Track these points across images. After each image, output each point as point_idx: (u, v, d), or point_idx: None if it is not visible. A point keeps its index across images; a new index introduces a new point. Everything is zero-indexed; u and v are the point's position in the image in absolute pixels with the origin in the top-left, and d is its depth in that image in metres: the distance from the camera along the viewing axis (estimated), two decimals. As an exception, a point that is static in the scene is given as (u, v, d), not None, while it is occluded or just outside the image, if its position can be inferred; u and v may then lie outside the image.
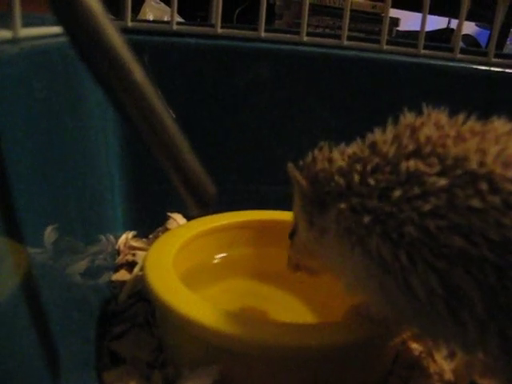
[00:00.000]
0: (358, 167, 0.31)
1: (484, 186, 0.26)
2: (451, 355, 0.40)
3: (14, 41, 0.31)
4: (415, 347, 0.41)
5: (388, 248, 0.29)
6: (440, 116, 0.32)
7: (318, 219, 0.35)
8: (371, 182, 0.30)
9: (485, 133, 0.29)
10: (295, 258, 0.40)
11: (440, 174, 0.28)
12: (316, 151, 0.35)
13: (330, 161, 0.34)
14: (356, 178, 0.31)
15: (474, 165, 0.27)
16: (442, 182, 0.27)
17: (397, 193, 0.29)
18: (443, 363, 0.40)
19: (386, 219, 0.29)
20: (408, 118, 0.32)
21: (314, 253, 0.37)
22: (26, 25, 0.32)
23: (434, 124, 0.31)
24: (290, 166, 0.36)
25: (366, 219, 0.30)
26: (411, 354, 0.41)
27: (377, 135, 0.33)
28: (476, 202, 0.26)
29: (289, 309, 0.45)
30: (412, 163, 0.29)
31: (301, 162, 0.36)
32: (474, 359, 0.30)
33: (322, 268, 0.39)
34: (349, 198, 0.31)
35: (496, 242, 0.26)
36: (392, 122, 0.33)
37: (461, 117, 0.31)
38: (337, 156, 0.34)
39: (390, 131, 0.32)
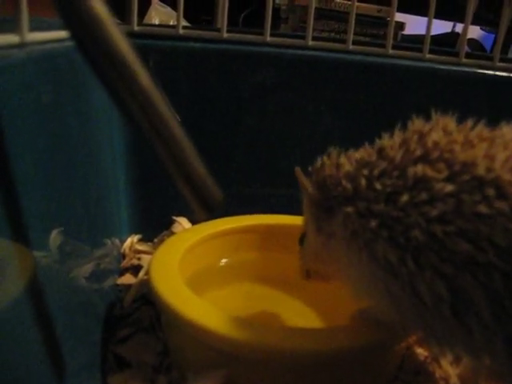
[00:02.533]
0: (365, 172, 0.31)
1: (491, 192, 0.26)
2: (457, 360, 0.40)
3: (21, 45, 0.31)
4: (420, 352, 0.41)
5: (394, 252, 0.29)
6: (448, 121, 0.32)
7: (325, 224, 0.35)
8: (378, 186, 0.30)
9: (493, 139, 0.29)
10: (305, 263, 0.40)
11: (447, 180, 0.28)
12: (325, 157, 0.35)
13: (338, 166, 0.34)
14: (363, 182, 0.31)
15: (481, 170, 0.27)
16: (450, 187, 0.27)
17: (404, 197, 0.29)
18: (449, 368, 0.40)
19: (392, 224, 0.29)
20: (416, 123, 0.32)
21: (322, 258, 0.37)
22: (32, 29, 0.32)
23: (442, 129, 0.31)
24: (298, 170, 0.36)
25: (373, 223, 0.30)
26: (416, 359, 0.41)
27: (384, 140, 0.33)
28: (483, 208, 0.26)
29: (294, 313, 0.45)
30: (419, 168, 0.29)
31: (310, 168, 0.36)
32: (480, 364, 0.29)
33: (331, 273, 0.39)
34: (355, 203, 0.31)
35: (503, 247, 0.26)
36: (400, 127, 0.33)
37: (469, 122, 0.31)
38: (344, 161, 0.34)
39: (398, 136, 0.32)
